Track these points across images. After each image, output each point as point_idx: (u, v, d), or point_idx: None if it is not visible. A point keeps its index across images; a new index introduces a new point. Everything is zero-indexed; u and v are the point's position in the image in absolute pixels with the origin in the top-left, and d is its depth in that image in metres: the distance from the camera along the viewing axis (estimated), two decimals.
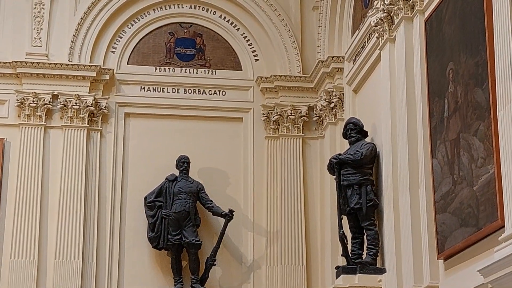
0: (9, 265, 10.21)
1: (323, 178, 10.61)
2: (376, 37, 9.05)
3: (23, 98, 10.70)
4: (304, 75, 11.26)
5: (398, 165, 8.34)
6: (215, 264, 10.54)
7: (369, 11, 9.26)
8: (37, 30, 10.98)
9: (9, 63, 10.77)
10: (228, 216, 10.56)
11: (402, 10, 8.40)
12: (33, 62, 10.81)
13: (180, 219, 10.55)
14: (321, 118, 11.00)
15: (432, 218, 7.63)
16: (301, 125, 11.14)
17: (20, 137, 10.67)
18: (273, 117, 11.12)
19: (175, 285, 10.48)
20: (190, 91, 11.30)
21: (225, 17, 11.57)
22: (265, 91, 11.28)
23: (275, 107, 11.13)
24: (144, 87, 11.24)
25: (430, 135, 7.75)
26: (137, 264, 10.64)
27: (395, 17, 8.59)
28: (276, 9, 11.48)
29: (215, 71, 11.41)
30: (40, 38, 10.97)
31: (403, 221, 8.13)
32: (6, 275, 10.18)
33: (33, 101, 10.71)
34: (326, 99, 10.78)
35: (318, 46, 11.18)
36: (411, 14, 8.34)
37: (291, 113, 11.11)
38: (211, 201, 10.71)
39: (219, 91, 11.34)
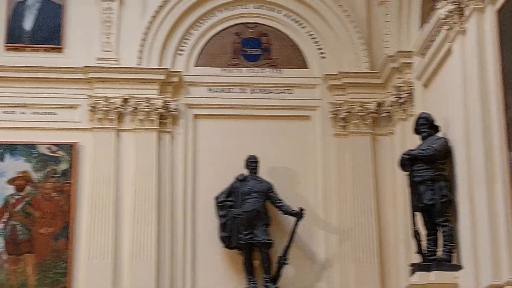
0: (85, 266, 10.11)
1: (395, 174, 10.19)
2: (446, 30, 8.63)
3: (95, 103, 10.56)
4: (372, 71, 10.87)
5: (472, 160, 7.93)
6: (287, 263, 10.22)
7: (438, 3, 8.84)
8: (107, 35, 10.85)
9: (81, 68, 10.65)
10: (299, 214, 10.25)
11: (473, 0, 7.98)
12: (104, 67, 10.66)
13: (251, 218, 10.28)
14: (391, 114, 10.60)
15: (509, 212, 7.25)
16: (371, 122, 10.76)
17: (93, 141, 10.56)
18: (342, 114, 10.77)
19: (247, 284, 10.22)
20: (257, 91, 11.03)
21: (290, 16, 11.27)
22: (333, 89, 10.91)
23: (343, 104, 10.79)
24: (211, 88, 11.00)
25: (506, 128, 7.34)
26: (210, 264, 10.40)
27: (465, 9, 8.18)
28: (342, 5, 11.13)
29: (281, 70, 11.10)
30: (109, 43, 10.83)
31: (480, 217, 7.73)
32: (83, 276, 10.07)
33: (105, 105, 10.58)
34: (395, 95, 10.38)
35: (385, 41, 10.76)
36: (482, 5, 7.92)
37: (360, 110, 10.73)
38: (281, 200, 10.42)
39: (286, 90, 11.04)
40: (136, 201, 10.35)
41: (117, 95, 10.63)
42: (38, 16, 10.93)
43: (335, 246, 10.46)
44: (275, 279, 10.23)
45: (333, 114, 10.80)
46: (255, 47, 11.17)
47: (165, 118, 10.72)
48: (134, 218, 10.29)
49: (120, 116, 10.66)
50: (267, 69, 11.09)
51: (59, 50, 10.86)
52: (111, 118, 10.59)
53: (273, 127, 10.91)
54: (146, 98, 10.62)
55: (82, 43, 10.87)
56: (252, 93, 11.01)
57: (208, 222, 10.50)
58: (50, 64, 10.67)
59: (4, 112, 10.56)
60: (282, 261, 10.21)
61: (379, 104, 10.75)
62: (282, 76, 11.06)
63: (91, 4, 10.97)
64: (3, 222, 10.20)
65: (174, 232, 10.41)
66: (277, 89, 11.03)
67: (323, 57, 11.12)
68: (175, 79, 10.82)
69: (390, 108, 10.57)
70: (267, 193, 10.42)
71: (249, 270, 10.27)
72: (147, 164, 10.49)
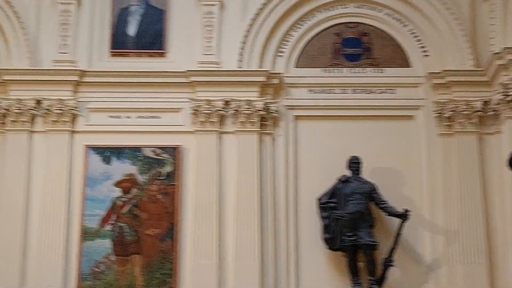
0: (191, 267, 10.17)
1: (502, 174, 9.87)
2: None
3: (197, 106, 10.64)
4: (477, 69, 10.56)
5: None
6: (392, 265, 10.03)
7: None
8: (208, 39, 10.90)
9: (183, 72, 10.74)
10: (404, 216, 10.03)
11: None
12: (205, 70, 10.73)
13: (354, 220, 10.14)
14: (498, 112, 10.27)
15: None
16: (477, 121, 10.45)
17: (196, 143, 10.63)
18: (446, 113, 10.49)
19: (352, 286, 10.08)
20: (358, 91, 10.87)
21: (391, 14, 11.06)
22: (437, 87, 10.65)
23: (448, 103, 10.51)
24: (312, 89, 10.91)
25: None
26: (313, 265, 10.31)
27: None
28: (445, 3, 10.85)
29: (383, 69, 10.91)
30: (211, 46, 10.88)
31: None
32: (189, 276, 10.14)
33: (207, 108, 10.64)
34: (502, 92, 10.04)
35: (491, 38, 10.43)
36: None
37: (465, 109, 10.44)
38: (385, 201, 10.24)
39: (388, 89, 10.84)
40: (239, 202, 10.37)
41: (219, 97, 10.66)
42: (141, 22, 11.08)
43: (441, 247, 10.22)
44: (380, 281, 10.05)
45: (438, 113, 10.54)
46: (356, 46, 11.02)
47: (266, 120, 10.69)
48: (237, 219, 10.31)
49: (222, 119, 10.69)
50: (368, 69, 10.93)
51: (162, 54, 10.99)
52: (213, 121, 10.63)
53: (376, 127, 10.74)
54: (247, 100, 10.62)
55: (184, 47, 10.95)
56: (353, 93, 10.86)
57: (311, 224, 10.42)
58: (154, 68, 10.80)
59: (110, 116, 10.74)
60: (388, 263, 10.03)
61: (485, 103, 10.44)
62: (384, 76, 10.88)
63: (192, 9, 11.05)
64: (111, 224, 10.38)
65: (276, 233, 10.37)
66: (379, 89, 10.85)
67: (426, 55, 10.88)
68: (275, 81, 10.78)
69: (497, 106, 10.25)
70: (371, 194, 10.26)
71: (354, 272, 10.13)
72: (249, 166, 10.49)
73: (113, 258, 10.25)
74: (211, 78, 10.72)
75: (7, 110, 10.52)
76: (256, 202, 10.35)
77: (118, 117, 10.75)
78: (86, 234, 10.29)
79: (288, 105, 10.83)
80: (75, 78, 10.70)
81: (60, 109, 10.57)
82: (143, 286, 10.12)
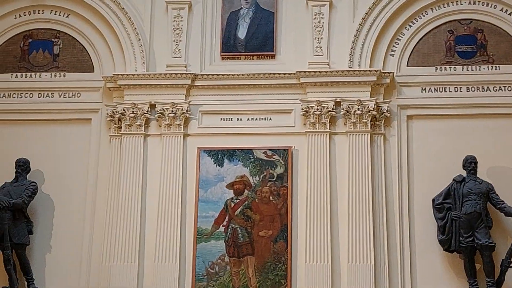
0: (304, 269, 10.06)
1: None
2: None
3: (308, 107, 10.52)
4: None
5: None
6: (511, 267, 9.67)
7: None
8: (318, 40, 10.75)
9: (293, 73, 10.65)
10: None
11: None
12: (316, 71, 10.60)
13: (471, 220, 9.81)
14: None
15: None
16: None
17: (307, 144, 10.52)
18: None
19: None
20: (473, 89, 10.50)
21: (506, 10, 10.65)
22: None
23: None
24: (425, 88, 10.61)
25: None
26: (429, 267, 10.03)
27: None
28: None
29: (499, 67, 10.51)
30: (320, 47, 10.73)
31: None
32: (303, 278, 10.02)
33: (317, 109, 10.51)
34: None
35: None
36: None
37: None
38: (503, 201, 9.85)
39: (504, 87, 10.44)
40: (351, 203, 10.19)
41: (329, 98, 10.52)
42: (251, 24, 11.06)
43: None
44: (498, 283, 9.70)
45: None
46: (470, 44, 10.65)
47: (378, 120, 10.48)
48: (350, 221, 10.14)
49: (333, 120, 10.54)
50: (483, 66, 10.55)
51: (272, 56, 10.93)
52: (324, 122, 10.49)
53: (492, 125, 10.35)
54: (358, 100, 10.43)
55: (294, 48, 10.86)
56: (467, 91, 10.50)
57: (426, 225, 10.14)
58: (264, 70, 10.75)
59: (222, 119, 10.76)
60: (506, 264, 9.65)
61: None
62: (499, 73, 10.48)
63: (302, 10, 10.95)
64: (224, 226, 10.39)
65: (390, 234, 10.14)
66: (495, 87, 10.46)
67: None
68: (386, 80, 10.55)
69: None
70: (488, 194, 9.91)
71: (471, 274, 9.80)
72: (361, 167, 10.30)
73: (227, 259, 10.25)
74: (321, 79, 10.58)
75: (123, 114, 10.69)
76: (368, 203, 10.15)
77: (230, 119, 10.75)
78: (200, 236, 10.33)
79: (400, 105, 10.57)
80: (188, 82, 10.77)
81: (173, 113, 10.66)
82: (257, 287, 10.08)
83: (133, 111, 10.68)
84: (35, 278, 10.26)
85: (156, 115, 10.73)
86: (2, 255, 10.09)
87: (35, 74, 11.06)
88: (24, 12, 11.26)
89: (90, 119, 10.90)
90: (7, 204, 10.14)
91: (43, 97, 10.98)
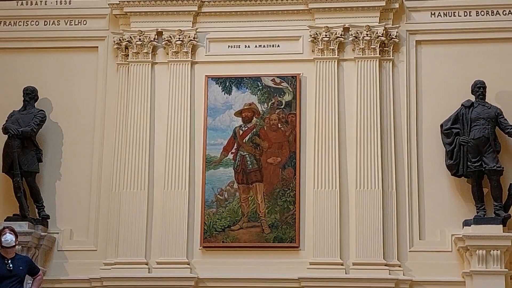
0: (313, 195, 9.93)
1: None
2: None
3: (316, 33, 10.23)
4: None
5: None
6: None
7: None
8: None
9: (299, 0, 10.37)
10: None
11: None
12: None
13: (479, 145, 9.63)
14: None
15: None
16: None
17: (315, 71, 10.26)
18: None
19: (477, 212, 9.60)
20: (482, 13, 10.19)
21: None
22: None
23: None
24: (434, 13, 10.28)
25: None
26: (436, 192, 9.87)
27: None
28: None
29: None
30: None
31: None
32: (311, 204, 9.90)
33: (326, 35, 10.22)
34: None
35: None
36: None
37: None
38: (511, 125, 9.68)
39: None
40: (359, 130, 10.01)
41: (338, 24, 10.23)
42: None
43: None
44: (506, 206, 9.57)
45: None
46: None
47: (386, 46, 10.22)
48: (358, 147, 9.97)
49: (341, 46, 10.28)
50: None
51: None
52: (332, 48, 10.23)
53: (501, 50, 10.09)
54: (367, 26, 10.15)
55: None
56: (477, 15, 10.20)
57: (433, 150, 9.98)
58: None
59: (230, 46, 10.49)
60: None
61: None
62: None
63: None
64: (233, 153, 10.22)
65: (398, 160, 9.98)
66: (504, 10, 10.15)
67: None
68: (395, 5, 10.24)
69: None
70: (496, 119, 9.71)
71: (479, 198, 9.66)
72: (369, 93, 10.09)
73: (235, 186, 10.11)
74: (329, 4, 10.28)
75: (129, 42, 10.43)
76: (377, 129, 9.97)
77: (237, 46, 10.48)
78: (209, 163, 10.17)
79: (409, 30, 10.28)
80: (195, 8, 10.46)
81: (180, 40, 10.39)
82: (266, 213, 9.96)
83: (140, 39, 10.41)
84: (45, 205, 10.15)
85: (163, 43, 10.46)
86: (12, 182, 9.94)
87: (41, 1, 10.74)
88: None
89: (97, 47, 10.63)
90: (15, 132, 9.97)
91: (49, 24, 10.69)
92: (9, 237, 7.52)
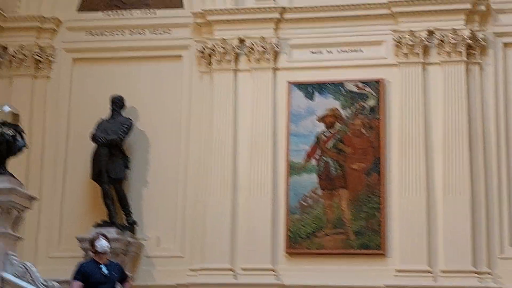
0: (398, 201, 9.71)
1: None
2: None
3: (400, 37, 10.04)
4: None
5: None
6: None
7: None
8: None
9: (385, 3, 10.16)
10: None
11: None
12: (408, 0, 10.08)
13: None
14: None
15: None
16: None
17: (400, 76, 10.06)
18: None
19: None
20: None
21: None
22: None
23: None
24: None
25: None
26: None
27: None
28: None
29: None
30: None
31: None
32: (396, 210, 9.71)
33: (410, 39, 10.02)
34: None
35: None
36: None
37: None
38: None
39: None
40: (446, 135, 9.78)
41: (422, 28, 10.03)
42: None
43: None
44: None
45: None
46: None
47: (473, 49, 9.95)
48: (445, 152, 9.74)
49: (426, 50, 10.06)
50: None
51: None
52: (417, 52, 10.02)
53: None
54: (452, 29, 9.91)
55: None
56: None
57: None
58: (354, 1, 10.30)
59: (312, 52, 10.41)
60: None
61: None
62: None
63: None
64: (316, 159, 10.13)
65: (487, 166, 9.70)
66: None
67: None
68: (482, 7, 9.96)
69: None
70: None
71: None
72: (456, 97, 9.84)
73: (319, 192, 10.00)
74: (413, 8, 10.07)
75: (213, 50, 10.45)
76: (464, 135, 9.71)
77: (320, 52, 10.39)
78: (293, 169, 10.10)
79: (497, 32, 9.98)
80: (276, 15, 10.42)
81: (262, 47, 10.36)
82: (351, 219, 9.82)
83: (222, 47, 10.42)
84: (132, 212, 10.26)
85: (245, 50, 10.44)
86: (101, 189, 10.11)
87: (126, 11, 10.88)
88: None
89: (181, 56, 10.70)
90: (103, 140, 10.12)
91: (135, 34, 10.81)
92: (104, 243, 7.61)
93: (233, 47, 10.43)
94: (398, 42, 10.07)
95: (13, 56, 10.69)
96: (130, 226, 10.15)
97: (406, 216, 9.65)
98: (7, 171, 8.38)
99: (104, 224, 9.94)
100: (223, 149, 10.22)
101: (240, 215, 10.05)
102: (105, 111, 10.42)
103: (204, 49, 10.49)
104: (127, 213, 10.22)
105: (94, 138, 10.19)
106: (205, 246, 9.97)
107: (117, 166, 10.17)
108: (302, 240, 9.87)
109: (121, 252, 9.81)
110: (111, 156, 10.16)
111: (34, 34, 10.74)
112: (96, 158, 10.15)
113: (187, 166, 10.34)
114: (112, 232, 9.65)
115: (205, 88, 10.49)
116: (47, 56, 10.75)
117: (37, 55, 10.70)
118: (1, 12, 10.65)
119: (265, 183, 10.07)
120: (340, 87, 10.23)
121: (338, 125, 10.16)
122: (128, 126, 10.29)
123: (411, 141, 9.85)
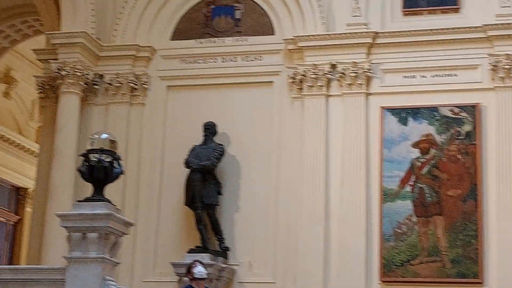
0: (496, 228, 9.45)
1: None
2: None
3: (496, 61, 9.81)
4: None
5: None
6: None
7: None
8: None
9: (480, 27, 9.94)
10: None
11: None
12: (504, 24, 9.83)
13: None
14: None
15: None
16: None
17: (496, 100, 9.81)
18: None
19: None
20: None
21: None
22: None
23: None
24: None
25: None
26: None
27: None
28: None
29: None
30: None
31: None
32: (494, 237, 9.44)
33: (507, 63, 9.77)
34: None
35: None
36: None
37: None
38: None
39: None
40: None
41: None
42: None
43: None
44: None
45: None
46: None
47: None
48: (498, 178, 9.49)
49: None
50: None
51: (456, 10, 10.30)
52: None
53: None
54: None
55: (479, 1, 10.16)
56: None
57: None
58: (448, 25, 10.18)
59: (405, 77, 10.28)
60: None
61: None
62: None
63: None
64: (410, 185, 9.95)
65: None
66: None
67: None
68: None
69: None
70: None
71: None
72: None
73: (414, 219, 9.82)
74: (510, 31, 9.83)
75: (304, 75, 10.43)
76: None
77: (413, 77, 10.25)
78: (386, 196, 9.95)
79: None
80: (369, 40, 10.35)
81: (354, 72, 10.28)
82: (447, 247, 9.59)
83: (314, 72, 10.40)
84: (225, 237, 10.29)
85: (337, 75, 10.39)
86: (194, 215, 10.18)
87: (218, 39, 10.99)
88: None
89: (272, 82, 10.72)
90: (197, 166, 10.21)
91: (226, 61, 10.91)
92: (202, 270, 7.61)
93: (325, 73, 10.40)
94: (494, 66, 9.85)
95: (109, 84, 10.92)
96: (223, 252, 10.18)
97: (504, 243, 9.38)
98: (105, 197, 8.53)
99: (198, 249, 9.99)
100: (315, 175, 10.16)
101: (333, 241, 9.95)
102: (198, 137, 10.51)
103: (295, 74, 10.49)
104: (220, 238, 10.26)
105: (187, 164, 10.29)
106: (297, 273, 9.91)
107: (210, 192, 10.23)
108: (397, 268, 9.69)
109: (214, 277, 9.83)
110: (204, 181, 10.23)
111: (129, 62, 10.96)
112: (190, 184, 10.24)
113: (278, 191, 10.32)
114: (205, 257, 9.68)
115: (296, 114, 10.47)
116: (142, 83, 10.94)
117: (133, 83, 10.90)
118: (99, 41, 10.92)
119: (358, 209, 9.95)
120: (435, 112, 10.05)
121: (433, 151, 9.98)
122: (220, 152, 10.36)
123: (509, 166, 9.58)
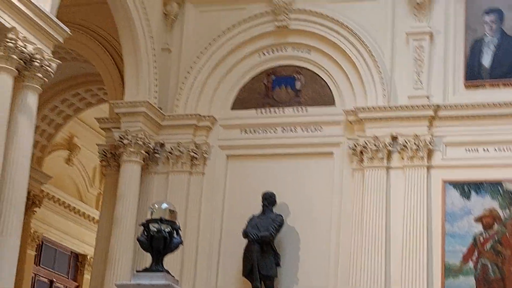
0: None
1: None
2: None
3: None
4: None
5: None
6: None
7: None
8: None
9: None
10: None
11: None
12: None
13: None
14: None
15: None
16: None
17: None
18: None
19: None
20: None
21: None
22: None
23: None
24: None
25: None
26: None
27: None
28: None
29: None
30: None
31: None
32: None
33: None
34: None
35: None
36: None
37: None
38: None
39: None
40: None
41: None
42: (496, 52, 10.36)
43: None
44: None
45: None
46: None
47: None
48: None
49: None
50: None
51: None
52: None
53: None
54: None
55: None
56: None
57: None
58: (511, 99, 10.00)
59: (467, 150, 10.13)
60: None
61: None
62: None
63: None
64: (473, 261, 9.69)
65: None
66: None
67: None
68: None
69: None
70: None
71: None
72: None
73: None
74: None
75: (364, 147, 10.36)
76: None
77: (476, 150, 10.09)
78: (448, 271, 9.71)
79: None
80: (430, 113, 10.26)
81: (416, 145, 10.18)
82: None
83: (374, 144, 10.32)
84: None
85: (398, 148, 10.30)
86: (252, 287, 10.06)
87: (279, 109, 11.04)
88: (268, 51, 11.28)
89: (332, 153, 10.67)
90: (255, 237, 10.14)
91: (287, 132, 10.92)
92: None
93: (385, 144, 10.31)
94: None
95: (170, 153, 11.01)
96: None
97: None
98: (164, 268, 8.50)
99: None
100: (375, 247, 9.98)
101: None
102: (257, 207, 10.46)
103: (356, 146, 10.42)
104: None
105: (246, 234, 10.23)
106: None
107: (268, 263, 10.13)
108: None
109: None
110: (263, 252, 10.15)
111: (190, 131, 11.04)
112: (248, 255, 10.16)
113: (338, 263, 10.16)
114: None
115: (357, 185, 10.36)
116: (202, 153, 11.00)
117: (193, 152, 10.97)
118: (160, 111, 11.07)
119: (418, 283, 9.72)
120: (498, 187, 9.86)
121: (496, 226, 9.74)
122: (279, 223, 10.29)
123: None
